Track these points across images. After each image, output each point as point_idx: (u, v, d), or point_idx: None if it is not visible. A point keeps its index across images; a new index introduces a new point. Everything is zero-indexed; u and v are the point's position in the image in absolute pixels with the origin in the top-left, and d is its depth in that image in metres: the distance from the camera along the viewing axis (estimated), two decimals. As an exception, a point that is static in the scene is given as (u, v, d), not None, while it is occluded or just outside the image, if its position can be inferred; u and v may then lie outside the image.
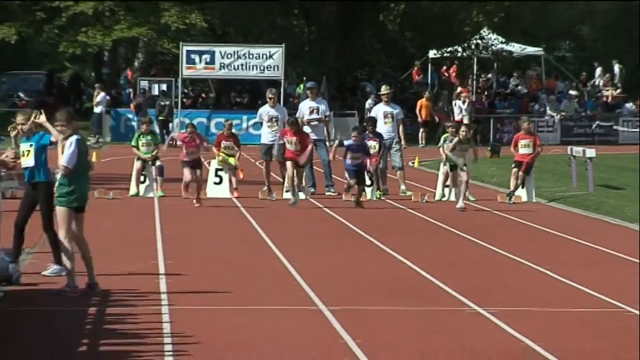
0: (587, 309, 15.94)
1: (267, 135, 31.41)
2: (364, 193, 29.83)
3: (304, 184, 29.34)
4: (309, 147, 29.02)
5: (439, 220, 25.91)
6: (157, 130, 43.88)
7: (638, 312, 14.30)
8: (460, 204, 27.81)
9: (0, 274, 17.12)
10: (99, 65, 70.48)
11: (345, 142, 29.34)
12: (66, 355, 12.74)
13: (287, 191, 29.97)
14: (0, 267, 17.12)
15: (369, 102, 34.01)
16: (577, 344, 13.52)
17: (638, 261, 18.01)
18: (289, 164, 28.44)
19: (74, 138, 16.69)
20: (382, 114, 31.54)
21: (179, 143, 29.86)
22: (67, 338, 13.61)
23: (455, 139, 28.35)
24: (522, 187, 30.22)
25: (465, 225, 24.67)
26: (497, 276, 18.77)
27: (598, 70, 72.12)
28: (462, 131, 28.78)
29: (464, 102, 57.87)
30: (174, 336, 13.63)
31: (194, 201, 27.78)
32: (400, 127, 32.59)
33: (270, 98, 31.67)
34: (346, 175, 28.71)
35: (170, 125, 53.06)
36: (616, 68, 71.59)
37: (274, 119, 31.17)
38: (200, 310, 15.35)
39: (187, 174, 28.70)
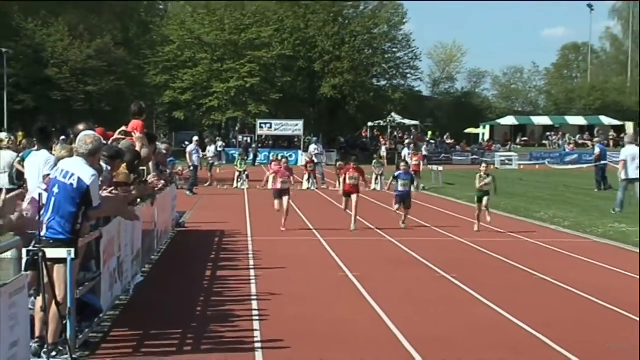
0: (440, 239, 15.72)
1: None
2: (340, 185, 29.37)
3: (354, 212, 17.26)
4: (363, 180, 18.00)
5: (378, 201, 25.62)
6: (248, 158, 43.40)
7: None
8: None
9: (176, 223, 17.00)
10: (220, 128, 69.95)
11: (395, 173, 18.44)
12: (204, 258, 12.54)
13: (312, 184, 28.96)
14: (175, 220, 17.00)
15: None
16: (436, 255, 13.27)
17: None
18: (345, 198, 17.60)
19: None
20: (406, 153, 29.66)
21: (271, 174, 18.81)
22: (204, 252, 13.41)
23: (477, 176, 16.73)
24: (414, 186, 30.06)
25: (389, 203, 24.47)
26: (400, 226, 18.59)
27: (422, 132, 72.15)
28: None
29: (385, 145, 57.70)
30: (254, 252, 13.41)
31: (282, 227, 16.52)
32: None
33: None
34: (394, 201, 18.37)
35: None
36: (429, 133, 71.44)
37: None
38: (266, 240, 15.07)
39: (276, 204, 16.97)
